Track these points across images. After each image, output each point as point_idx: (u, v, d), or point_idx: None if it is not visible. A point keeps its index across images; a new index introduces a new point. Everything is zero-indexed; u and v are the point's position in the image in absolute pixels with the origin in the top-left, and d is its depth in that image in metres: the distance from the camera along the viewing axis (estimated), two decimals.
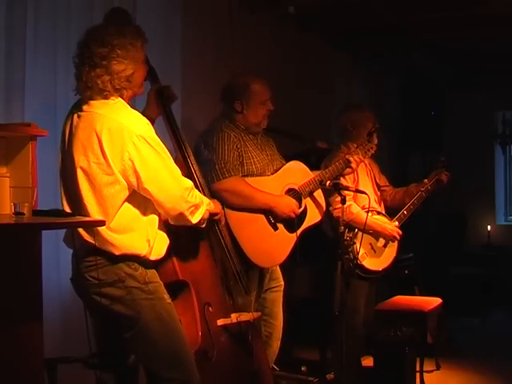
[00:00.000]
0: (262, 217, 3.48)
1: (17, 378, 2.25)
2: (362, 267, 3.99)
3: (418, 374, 4.15)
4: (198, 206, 2.60)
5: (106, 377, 2.69)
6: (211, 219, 2.83)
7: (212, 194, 3.09)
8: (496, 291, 6.89)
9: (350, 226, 3.96)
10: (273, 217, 3.50)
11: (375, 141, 4.06)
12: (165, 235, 2.62)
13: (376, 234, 4.08)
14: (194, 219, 2.60)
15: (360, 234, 3.92)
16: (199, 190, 2.89)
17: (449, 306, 4.77)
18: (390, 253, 4.17)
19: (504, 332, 5.94)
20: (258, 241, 3.44)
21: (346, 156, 3.80)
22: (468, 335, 5.70)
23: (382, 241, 4.13)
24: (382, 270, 4.15)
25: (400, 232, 4.16)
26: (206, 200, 2.70)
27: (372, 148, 3.96)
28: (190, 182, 2.61)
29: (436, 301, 4.56)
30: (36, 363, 2.34)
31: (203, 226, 2.70)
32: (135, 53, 2.50)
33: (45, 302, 2.39)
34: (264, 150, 3.66)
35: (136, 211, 2.52)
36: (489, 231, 7.82)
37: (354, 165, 3.79)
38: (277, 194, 3.53)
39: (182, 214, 2.56)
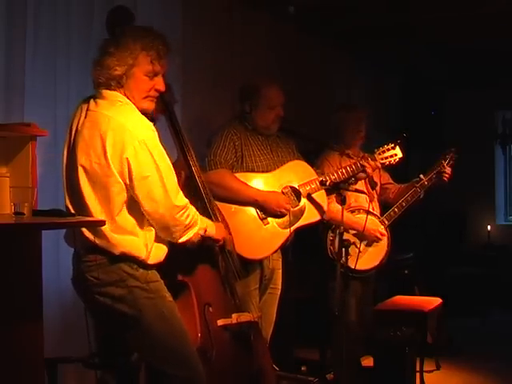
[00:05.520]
0: (251, 209, 3.50)
1: (17, 377, 2.25)
2: (346, 267, 3.92)
3: (418, 374, 4.15)
4: (188, 227, 2.56)
5: (107, 377, 2.69)
6: (212, 245, 2.79)
7: None
8: (496, 291, 6.89)
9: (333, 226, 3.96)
10: (262, 211, 3.51)
11: (400, 153, 3.93)
12: (164, 243, 2.60)
13: (359, 234, 4.01)
14: (181, 239, 2.57)
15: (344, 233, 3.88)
16: (200, 191, 2.89)
17: (449, 305, 4.77)
18: (378, 251, 4.13)
19: (504, 332, 5.94)
20: (244, 231, 3.43)
21: (361, 162, 3.78)
22: (468, 335, 5.70)
23: (365, 240, 4.08)
24: (371, 268, 4.13)
25: (384, 232, 4.12)
26: (201, 223, 2.64)
27: (393, 157, 3.91)
28: (183, 201, 2.55)
29: (436, 301, 4.56)
30: (36, 363, 2.34)
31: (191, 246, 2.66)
32: (127, 57, 2.48)
33: (45, 302, 2.39)
34: (274, 151, 3.68)
35: (137, 215, 2.50)
36: (489, 231, 7.82)
37: (369, 170, 3.77)
38: (266, 190, 3.53)
39: (167, 229, 2.53)
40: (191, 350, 2.59)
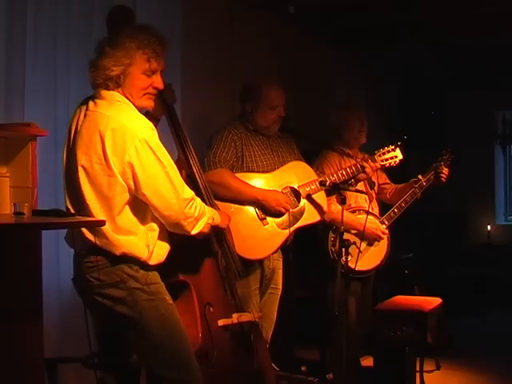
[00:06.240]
0: (250, 209, 3.51)
1: (17, 377, 2.25)
2: (346, 267, 3.92)
3: (418, 374, 4.15)
4: (197, 219, 2.57)
5: (107, 377, 2.68)
6: (216, 233, 2.80)
7: None
8: (496, 291, 6.89)
9: (334, 227, 3.96)
10: (262, 210, 3.51)
11: (401, 155, 3.93)
12: (165, 243, 2.60)
13: (360, 234, 4.00)
14: (193, 231, 2.58)
15: (344, 234, 3.88)
16: (200, 190, 2.89)
17: (449, 305, 4.77)
18: (378, 252, 4.14)
19: (504, 332, 5.94)
20: (244, 231, 3.43)
21: (361, 163, 3.78)
22: (468, 335, 5.70)
23: (366, 239, 4.07)
24: (371, 269, 4.13)
25: (385, 231, 4.12)
26: (208, 212, 2.65)
27: (393, 159, 3.91)
28: (190, 193, 2.56)
29: (436, 301, 4.56)
30: (36, 363, 2.34)
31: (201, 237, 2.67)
32: (123, 56, 2.47)
33: (45, 302, 2.39)
34: (275, 152, 3.69)
35: (138, 216, 2.51)
36: (489, 231, 7.83)
37: (369, 171, 3.77)
38: (266, 189, 3.53)
39: (179, 224, 2.54)
40: (190, 354, 2.58)
